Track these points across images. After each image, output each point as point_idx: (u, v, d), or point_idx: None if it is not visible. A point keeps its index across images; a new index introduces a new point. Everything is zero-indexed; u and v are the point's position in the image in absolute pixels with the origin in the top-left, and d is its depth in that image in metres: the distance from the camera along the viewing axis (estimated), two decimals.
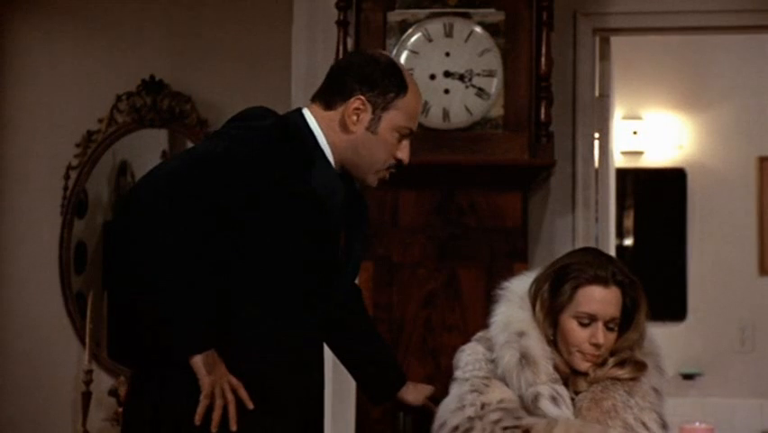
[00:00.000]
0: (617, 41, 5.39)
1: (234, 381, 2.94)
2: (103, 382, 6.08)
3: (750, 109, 6.84)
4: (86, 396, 5.99)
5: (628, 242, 6.85)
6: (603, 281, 3.22)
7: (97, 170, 6.33)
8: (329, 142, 3.12)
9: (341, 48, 4.71)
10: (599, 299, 3.20)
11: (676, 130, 6.82)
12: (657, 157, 6.85)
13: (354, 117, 3.10)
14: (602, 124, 5.29)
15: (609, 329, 3.20)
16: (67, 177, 6.28)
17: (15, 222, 6.33)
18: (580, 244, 4.78)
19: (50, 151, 6.27)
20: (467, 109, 4.68)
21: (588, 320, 3.20)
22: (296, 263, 3.04)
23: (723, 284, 6.60)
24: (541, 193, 4.98)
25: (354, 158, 3.14)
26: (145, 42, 6.32)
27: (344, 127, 3.11)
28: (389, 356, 3.62)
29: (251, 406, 2.94)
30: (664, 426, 3.26)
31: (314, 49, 5.04)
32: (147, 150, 6.36)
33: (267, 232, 3.01)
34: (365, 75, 3.15)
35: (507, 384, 3.21)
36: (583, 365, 3.22)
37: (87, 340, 6.05)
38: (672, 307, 6.61)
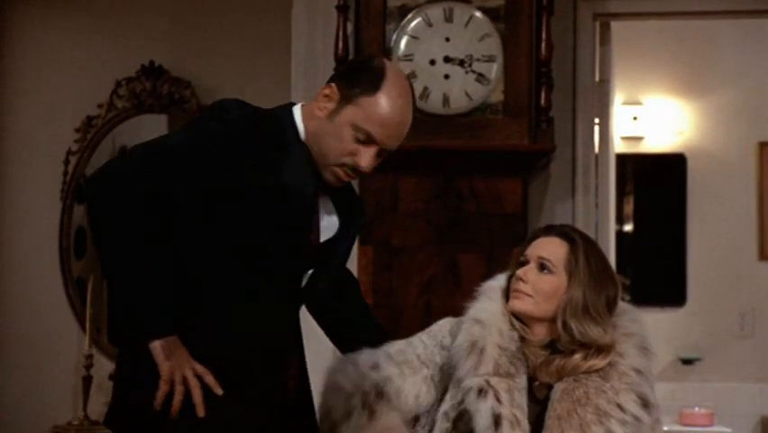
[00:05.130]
0: (617, 26, 5.37)
1: (200, 367, 2.90)
2: (103, 366, 6.08)
3: (750, 94, 6.81)
4: (87, 381, 6.03)
5: (628, 227, 6.85)
6: (545, 232, 3.27)
7: (97, 155, 6.31)
8: (306, 132, 3.09)
9: (340, 33, 4.70)
10: (535, 243, 3.22)
11: (676, 115, 6.81)
12: (657, 142, 6.84)
13: (321, 103, 3.04)
14: (602, 109, 5.29)
15: (541, 270, 3.16)
16: (67, 162, 6.29)
17: (15, 207, 6.33)
18: (582, 229, 4.74)
19: (50, 136, 6.29)
20: (467, 95, 4.67)
21: (523, 262, 3.20)
22: (259, 252, 3.01)
23: (723, 269, 6.60)
24: (541, 178, 4.95)
25: (315, 147, 3.07)
26: (145, 28, 6.32)
27: (312, 113, 3.07)
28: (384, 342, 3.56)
29: (219, 392, 2.90)
30: (646, 405, 3.15)
31: (314, 34, 5.00)
32: (147, 135, 6.19)
33: (230, 221, 2.99)
34: (348, 68, 3.17)
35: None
36: (510, 302, 3.18)
37: (88, 325, 6.08)
38: (672, 292, 6.62)
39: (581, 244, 3.22)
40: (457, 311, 3.31)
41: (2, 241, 6.30)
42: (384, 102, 3.00)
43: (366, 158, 3.02)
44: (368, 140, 3.00)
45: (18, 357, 6.27)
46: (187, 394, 2.86)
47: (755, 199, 6.76)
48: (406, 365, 3.31)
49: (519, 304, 3.17)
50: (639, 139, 6.82)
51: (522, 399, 3.15)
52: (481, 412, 3.13)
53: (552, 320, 3.16)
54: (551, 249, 3.19)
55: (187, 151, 2.96)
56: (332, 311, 3.36)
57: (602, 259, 3.27)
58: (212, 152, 2.94)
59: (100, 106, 6.29)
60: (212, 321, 2.99)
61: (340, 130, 2.99)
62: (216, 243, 2.99)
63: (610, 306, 3.20)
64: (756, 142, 6.82)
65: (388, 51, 4.67)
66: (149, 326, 2.89)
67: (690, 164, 6.73)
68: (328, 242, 3.17)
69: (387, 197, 4.69)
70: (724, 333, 6.48)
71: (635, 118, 6.79)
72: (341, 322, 3.43)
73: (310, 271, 3.15)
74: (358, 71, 3.06)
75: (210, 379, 2.90)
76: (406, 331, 4.41)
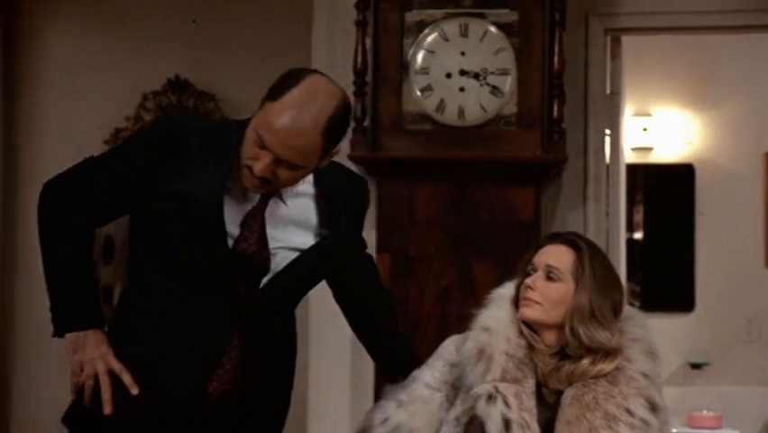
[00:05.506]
0: (627, 41, 5.41)
1: (117, 365, 2.94)
2: None
3: (757, 106, 6.84)
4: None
5: (638, 235, 6.85)
6: (551, 240, 3.30)
7: None
8: None
9: (359, 47, 4.74)
10: (542, 252, 3.24)
11: (685, 127, 6.83)
12: (666, 153, 6.86)
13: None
14: (613, 120, 5.32)
15: (549, 279, 3.20)
16: None
17: None
18: (591, 237, 4.78)
19: (79, 147, 6.23)
20: (482, 107, 4.70)
21: (531, 270, 3.22)
22: (173, 256, 3.06)
23: (730, 276, 6.62)
24: (553, 188, 4.98)
25: None
26: (171, 42, 6.37)
27: None
28: (404, 336, 3.62)
29: (134, 391, 2.95)
30: (654, 408, 3.17)
31: (333, 49, 5.04)
32: None
33: (149, 227, 3.07)
34: (279, 76, 3.12)
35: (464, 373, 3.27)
36: (522, 310, 3.20)
37: None
38: (681, 298, 6.63)
39: (587, 252, 3.24)
40: (471, 319, 3.36)
41: (32, 252, 6.31)
42: (279, 110, 2.94)
43: (259, 164, 2.96)
44: (263, 146, 2.95)
45: (52, 353, 6.25)
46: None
47: (762, 208, 6.82)
48: (417, 403, 3.32)
49: (529, 312, 3.19)
50: (649, 149, 6.84)
51: (530, 402, 3.16)
52: (492, 417, 3.14)
53: (560, 327, 3.18)
54: (557, 257, 3.22)
55: (116, 162, 3.08)
56: (351, 297, 3.46)
57: (607, 265, 3.30)
58: (134, 163, 3.03)
59: (128, 119, 6.35)
60: (133, 321, 3.06)
61: (250, 133, 2.98)
62: (143, 246, 3.09)
63: (616, 310, 3.22)
64: (763, 153, 6.87)
65: (405, 65, 4.72)
66: (57, 320, 3.01)
67: (699, 174, 6.76)
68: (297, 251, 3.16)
69: (403, 206, 4.72)
70: (731, 338, 6.51)
71: (644, 129, 6.80)
72: (360, 309, 3.49)
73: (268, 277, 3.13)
74: (280, 80, 3.02)
75: (127, 378, 2.94)
76: (422, 339, 4.49)
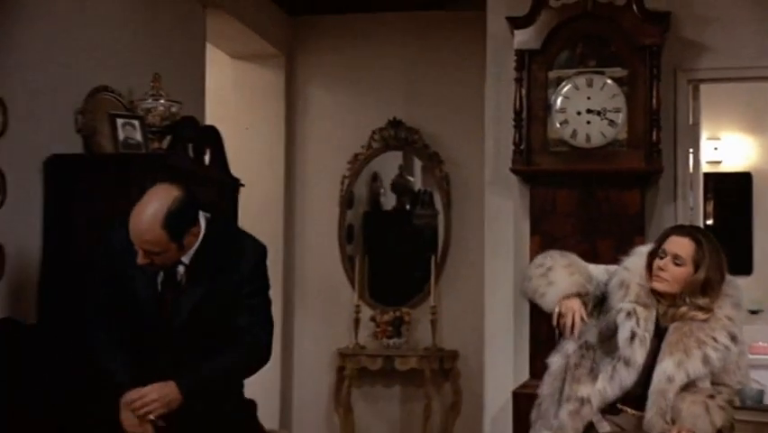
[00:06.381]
0: (704, 87, 5.12)
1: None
2: (365, 312, 6.17)
3: None
4: (356, 321, 6.09)
5: (710, 222, 6.59)
6: (678, 232, 3.22)
7: (360, 178, 6.39)
8: None
9: (517, 95, 4.64)
10: (671, 241, 3.15)
11: (745, 146, 6.55)
12: (731, 164, 6.58)
13: None
14: (694, 143, 5.05)
15: (676, 264, 3.10)
16: (342, 183, 6.36)
17: (311, 213, 6.42)
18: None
19: (332, 166, 6.38)
20: (602, 134, 4.59)
21: (663, 254, 3.14)
22: (124, 314, 2.90)
23: None
24: (653, 190, 4.78)
25: None
26: (390, 92, 6.31)
27: None
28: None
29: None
30: (734, 339, 3.09)
31: (500, 97, 4.93)
32: (389, 165, 6.42)
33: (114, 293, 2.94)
34: None
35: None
36: (653, 282, 3.12)
37: (356, 286, 6.16)
38: (742, 265, 6.30)
39: (705, 245, 3.15)
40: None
41: (303, 232, 6.41)
42: (131, 220, 2.77)
43: (138, 258, 2.79)
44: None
45: (314, 306, 6.35)
46: None
47: None
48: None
49: (660, 286, 3.13)
50: (718, 162, 6.58)
51: (651, 326, 3.12)
52: (625, 328, 3.09)
53: (676, 293, 3.12)
54: (682, 248, 3.13)
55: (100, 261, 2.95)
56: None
57: (720, 253, 3.18)
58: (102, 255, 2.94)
59: (363, 147, 6.33)
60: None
61: None
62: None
63: (717, 286, 3.14)
64: None
65: (548, 107, 4.61)
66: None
67: (755, 180, 6.45)
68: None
69: (548, 203, 4.61)
70: None
71: (715, 149, 6.56)
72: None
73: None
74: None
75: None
76: None
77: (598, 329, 3.20)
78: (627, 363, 3.07)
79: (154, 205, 2.76)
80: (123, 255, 2.83)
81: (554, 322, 3.17)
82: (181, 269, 2.86)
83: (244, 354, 2.87)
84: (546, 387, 3.24)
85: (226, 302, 2.85)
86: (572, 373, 3.18)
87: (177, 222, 2.77)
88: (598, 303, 3.24)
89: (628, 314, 3.10)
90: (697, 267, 3.10)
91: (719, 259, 3.15)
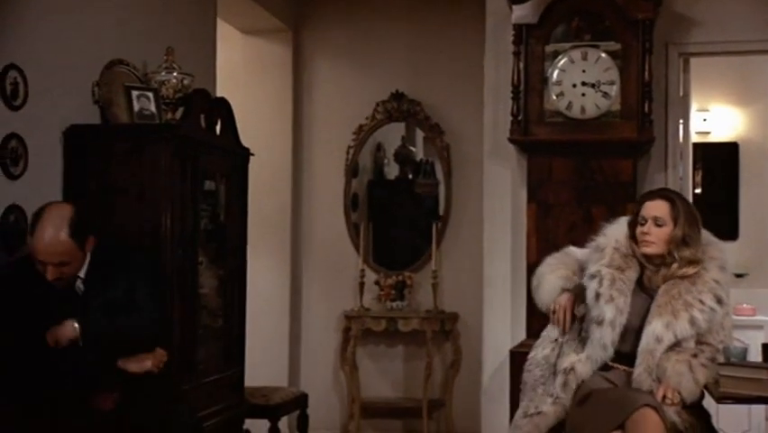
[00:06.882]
0: (694, 60, 5.11)
1: None
2: (370, 276, 6.17)
3: None
4: (361, 285, 6.09)
5: (698, 190, 6.57)
6: (650, 197, 3.27)
7: (364, 148, 6.36)
8: None
9: (515, 68, 4.63)
10: (646, 206, 3.21)
11: (732, 117, 6.50)
12: (719, 135, 6.54)
13: None
14: (684, 113, 5.05)
15: (657, 226, 3.16)
16: (348, 152, 6.33)
17: (317, 182, 6.41)
18: None
19: (337, 136, 6.35)
20: (596, 106, 4.58)
21: (642, 221, 3.20)
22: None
23: (763, 216, 6.25)
24: (645, 159, 4.79)
25: None
26: (393, 66, 6.28)
27: None
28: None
29: None
30: (719, 301, 3.14)
31: (499, 69, 4.91)
32: (393, 136, 6.40)
33: None
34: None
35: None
36: (642, 248, 3.17)
37: (361, 251, 6.16)
38: (729, 230, 6.29)
39: (678, 201, 3.22)
40: (597, 233, 3.35)
41: (310, 200, 6.40)
42: (36, 239, 3.01)
43: (48, 273, 3.02)
44: (42, 263, 3.03)
45: (321, 270, 6.35)
46: None
47: None
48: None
49: (649, 249, 3.18)
50: (707, 133, 6.54)
51: (624, 286, 3.16)
52: (589, 288, 3.16)
53: (663, 252, 3.16)
54: (659, 209, 3.18)
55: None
56: None
57: (690, 206, 3.27)
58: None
59: (367, 118, 6.29)
60: None
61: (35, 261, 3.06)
62: None
63: (697, 235, 3.18)
64: None
65: (545, 80, 4.60)
66: None
67: (742, 150, 6.41)
68: None
69: (545, 171, 4.61)
70: (763, 256, 6.16)
71: (704, 120, 6.52)
72: None
73: None
74: (32, 221, 3.05)
75: None
76: None
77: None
78: (598, 322, 3.10)
79: (55, 220, 3.00)
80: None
81: (551, 319, 3.29)
82: (78, 282, 3.11)
83: (135, 319, 3.13)
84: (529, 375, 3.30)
85: (121, 302, 3.12)
86: (561, 349, 3.22)
87: (80, 229, 3.03)
88: None
89: (592, 276, 3.17)
90: (675, 223, 3.14)
91: (691, 210, 3.23)
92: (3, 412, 2.90)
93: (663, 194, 3.27)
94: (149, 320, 3.15)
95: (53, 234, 2.98)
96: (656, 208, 3.19)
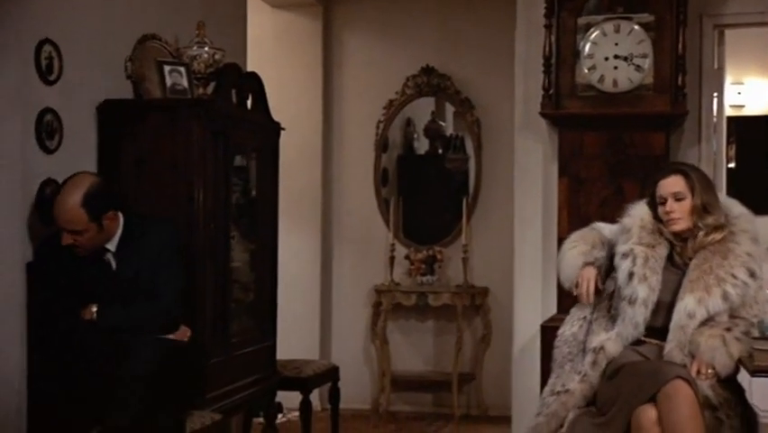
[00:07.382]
0: (729, 32, 5.02)
1: None
2: (400, 251, 6.19)
3: None
4: (391, 259, 6.12)
5: (731, 165, 6.51)
6: (663, 174, 3.24)
7: (394, 123, 6.38)
8: None
9: (547, 41, 4.58)
10: (662, 185, 3.20)
11: (767, 91, 6.42)
12: (753, 108, 6.47)
13: None
14: (718, 87, 4.98)
15: (678, 201, 3.15)
16: (377, 127, 6.34)
17: (348, 156, 6.43)
18: (703, 167, 4.54)
19: (368, 111, 6.37)
20: (629, 79, 4.51)
21: (662, 200, 3.19)
22: None
23: None
24: (678, 132, 4.72)
25: None
26: (423, 41, 6.27)
27: None
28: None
29: None
30: (753, 275, 3.10)
31: (530, 43, 4.86)
32: (422, 111, 6.39)
33: None
34: None
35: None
36: (670, 227, 3.16)
37: (391, 226, 6.17)
38: (761, 204, 6.23)
39: (690, 172, 3.22)
40: (622, 216, 3.33)
41: (341, 175, 6.43)
42: (54, 207, 3.15)
43: (63, 238, 3.14)
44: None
45: (352, 245, 6.34)
46: None
47: None
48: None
49: (677, 226, 3.16)
50: (741, 106, 6.47)
51: (656, 264, 3.14)
52: (621, 268, 3.14)
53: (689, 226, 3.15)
54: (675, 184, 3.17)
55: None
56: None
57: (701, 172, 3.29)
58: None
59: (396, 93, 6.29)
60: None
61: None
62: None
63: (715, 200, 3.18)
64: None
65: (577, 53, 4.54)
66: None
67: None
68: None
69: (577, 145, 4.56)
70: None
71: (738, 93, 6.46)
72: None
73: None
74: (54, 193, 3.23)
75: None
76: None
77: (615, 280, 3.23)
78: (631, 301, 3.09)
79: (73, 189, 3.13)
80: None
81: (574, 292, 3.27)
82: (109, 256, 3.24)
83: (151, 309, 3.24)
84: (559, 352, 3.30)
85: (147, 275, 3.24)
86: (590, 327, 3.21)
87: (94, 202, 3.12)
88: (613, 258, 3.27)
89: (624, 255, 3.15)
90: (693, 193, 3.15)
91: (704, 177, 3.25)
92: (45, 377, 3.09)
93: (675, 168, 3.27)
94: (165, 311, 3.26)
95: (65, 201, 3.12)
96: (673, 184, 3.18)
